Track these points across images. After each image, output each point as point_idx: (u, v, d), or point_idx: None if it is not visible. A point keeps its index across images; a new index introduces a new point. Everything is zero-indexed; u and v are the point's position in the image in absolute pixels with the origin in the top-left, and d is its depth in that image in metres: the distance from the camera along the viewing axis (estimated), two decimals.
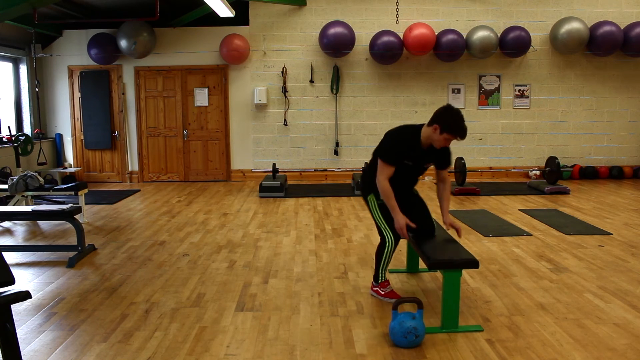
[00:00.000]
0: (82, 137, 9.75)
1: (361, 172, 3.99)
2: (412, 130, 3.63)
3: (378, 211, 3.79)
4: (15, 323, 2.47)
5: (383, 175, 3.56)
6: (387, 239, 3.76)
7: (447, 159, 3.77)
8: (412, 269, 4.44)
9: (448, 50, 8.97)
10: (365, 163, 3.76)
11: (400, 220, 3.57)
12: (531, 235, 5.68)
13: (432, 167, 3.83)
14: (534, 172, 9.52)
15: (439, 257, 3.37)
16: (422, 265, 4.43)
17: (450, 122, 3.47)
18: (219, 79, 9.59)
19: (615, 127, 9.71)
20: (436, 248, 3.56)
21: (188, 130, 9.69)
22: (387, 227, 3.76)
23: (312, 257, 4.96)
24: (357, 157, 9.58)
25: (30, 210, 5.32)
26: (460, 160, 8.23)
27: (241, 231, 5.98)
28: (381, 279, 3.86)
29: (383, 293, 3.85)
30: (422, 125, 3.61)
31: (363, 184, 3.94)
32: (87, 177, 9.77)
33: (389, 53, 8.97)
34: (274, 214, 6.91)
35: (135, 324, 3.50)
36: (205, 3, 7.53)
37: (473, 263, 3.36)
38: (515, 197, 7.93)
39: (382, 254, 3.82)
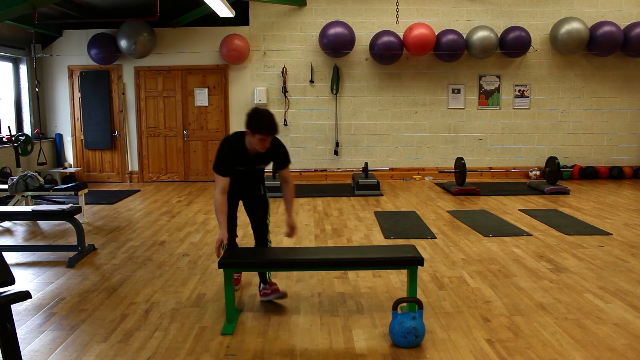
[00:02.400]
0: (82, 137, 9.75)
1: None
2: (235, 137, 3.66)
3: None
4: (15, 323, 2.47)
5: (218, 188, 3.58)
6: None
7: (283, 158, 3.76)
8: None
9: (448, 50, 8.97)
10: None
11: (223, 235, 3.52)
12: (531, 235, 5.68)
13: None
14: (534, 172, 9.52)
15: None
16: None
17: (254, 123, 3.49)
18: (219, 79, 9.59)
19: (615, 127, 9.71)
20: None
21: (188, 130, 9.69)
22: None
23: None
24: (357, 157, 9.58)
25: (30, 210, 5.32)
26: (460, 160, 8.23)
27: (241, 231, 5.97)
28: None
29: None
30: (244, 132, 3.61)
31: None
32: (87, 177, 9.77)
33: (389, 53, 8.97)
34: (274, 213, 6.91)
35: (135, 324, 3.50)
36: (205, 3, 7.53)
37: None
38: (515, 197, 7.93)
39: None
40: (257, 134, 3.47)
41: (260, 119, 3.50)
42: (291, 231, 3.82)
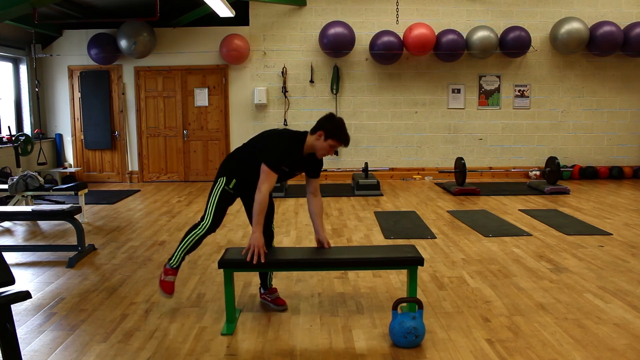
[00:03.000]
0: (82, 137, 9.75)
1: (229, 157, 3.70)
2: (297, 136, 3.50)
3: (217, 196, 3.52)
4: (15, 323, 2.47)
5: (267, 185, 3.33)
6: (204, 221, 3.52)
7: (319, 167, 3.65)
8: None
9: (448, 50, 8.97)
10: (242, 148, 3.63)
11: (259, 240, 3.34)
12: (531, 235, 5.68)
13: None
14: (534, 172, 9.52)
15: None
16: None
17: (334, 129, 3.43)
18: (219, 79, 9.59)
19: (615, 127, 9.71)
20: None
21: (188, 130, 9.69)
22: (212, 213, 3.52)
23: None
24: (357, 157, 9.58)
25: (30, 210, 5.32)
26: (460, 160, 8.23)
27: (241, 231, 5.98)
28: (174, 263, 3.60)
29: (163, 278, 3.61)
30: (306, 132, 3.51)
31: (224, 165, 3.64)
32: (87, 177, 9.77)
33: (389, 53, 8.97)
34: (274, 213, 6.90)
35: (135, 324, 3.50)
36: (205, 3, 7.53)
37: None
38: (515, 197, 7.93)
39: (190, 234, 3.57)
40: (334, 140, 3.40)
41: (342, 127, 3.47)
42: (326, 246, 3.64)
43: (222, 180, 3.53)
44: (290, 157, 3.43)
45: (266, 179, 3.34)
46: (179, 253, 3.58)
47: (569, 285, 4.15)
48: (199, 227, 3.53)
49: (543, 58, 9.50)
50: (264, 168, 3.34)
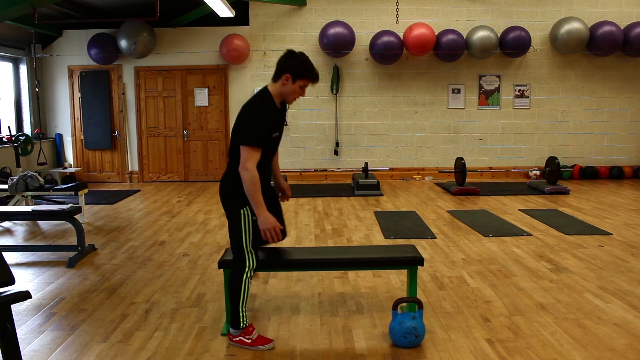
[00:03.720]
0: (82, 137, 9.75)
1: (224, 179, 3.20)
2: (264, 95, 3.10)
3: (250, 229, 3.08)
4: (15, 323, 2.47)
5: (252, 162, 2.93)
6: (247, 263, 3.10)
7: (284, 119, 3.32)
8: None
9: (448, 50, 8.97)
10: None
11: (269, 220, 2.98)
12: (531, 235, 5.68)
13: None
14: (534, 172, 9.52)
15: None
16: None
17: (301, 66, 3.06)
18: (219, 79, 9.59)
19: (615, 127, 9.71)
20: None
21: (188, 130, 9.69)
22: (252, 251, 3.13)
23: None
24: (357, 157, 9.58)
25: (30, 210, 5.32)
26: (460, 160, 8.23)
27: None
28: (243, 323, 3.16)
29: (250, 342, 3.13)
30: (265, 88, 3.15)
31: (227, 191, 3.14)
32: (87, 177, 9.77)
33: (389, 53, 8.97)
34: None
35: (135, 324, 3.50)
36: (205, 3, 7.53)
37: None
38: (515, 197, 7.93)
39: (240, 287, 3.11)
40: (303, 79, 3.06)
41: (307, 62, 3.08)
42: (289, 192, 3.52)
43: (246, 212, 3.06)
44: (273, 120, 3.08)
45: (250, 157, 2.93)
46: (242, 310, 3.15)
47: (569, 285, 4.15)
48: (245, 273, 3.11)
49: (543, 58, 9.50)
50: (243, 148, 2.94)
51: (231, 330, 3.20)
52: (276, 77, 3.09)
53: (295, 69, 3.04)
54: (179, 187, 9.16)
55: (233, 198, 3.10)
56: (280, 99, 3.14)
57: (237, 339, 3.16)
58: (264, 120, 3.01)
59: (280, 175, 3.57)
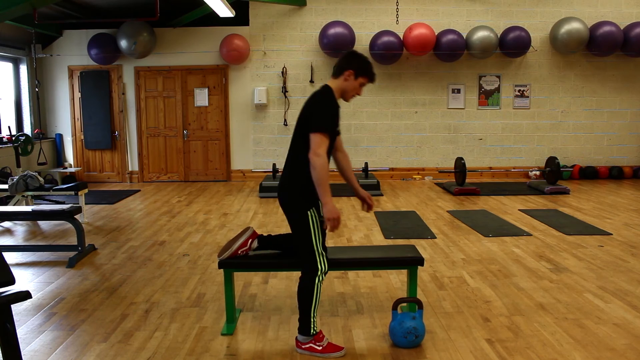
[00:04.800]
0: (82, 137, 9.75)
1: (279, 183, 3.17)
2: (328, 90, 3.09)
3: (319, 230, 3.04)
4: (15, 323, 2.47)
5: (324, 148, 2.90)
6: (320, 266, 3.03)
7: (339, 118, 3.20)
8: None
9: (448, 50, 8.97)
10: (288, 162, 3.18)
11: (335, 210, 2.92)
12: (531, 235, 5.68)
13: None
14: (534, 172, 9.52)
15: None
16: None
17: (364, 64, 3.07)
18: (219, 79, 9.59)
19: (615, 127, 9.71)
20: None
21: (188, 130, 9.69)
22: (322, 253, 3.05)
23: None
24: (357, 157, 9.57)
25: (30, 210, 5.32)
26: (460, 160, 8.23)
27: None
28: (314, 330, 3.06)
29: (321, 349, 3.04)
30: (326, 85, 3.12)
31: (293, 193, 3.08)
32: (87, 177, 9.77)
33: (389, 53, 8.97)
34: (274, 214, 6.91)
35: (135, 324, 3.50)
36: (205, 3, 7.53)
37: None
38: (515, 197, 7.93)
39: (312, 292, 3.03)
40: (364, 77, 3.07)
41: (369, 62, 3.10)
42: (370, 201, 3.32)
43: (313, 213, 3.02)
44: (336, 112, 3.09)
45: (321, 142, 2.91)
46: (314, 316, 3.06)
47: (569, 285, 4.15)
48: (317, 277, 3.03)
49: (543, 58, 9.50)
50: (314, 135, 2.92)
51: (300, 337, 3.09)
52: (338, 74, 3.10)
53: (358, 66, 3.07)
54: (179, 187, 9.16)
55: (299, 200, 3.04)
56: (339, 95, 3.13)
57: (307, 346, 3.06)
58: (332, 110, 3.05)
59: (357, 182, 3.38)
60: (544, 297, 3.89)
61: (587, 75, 9.56)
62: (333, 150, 3.21)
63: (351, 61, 3.09)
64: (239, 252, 3.33)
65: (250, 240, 3.36)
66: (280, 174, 8.83)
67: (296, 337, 3.13)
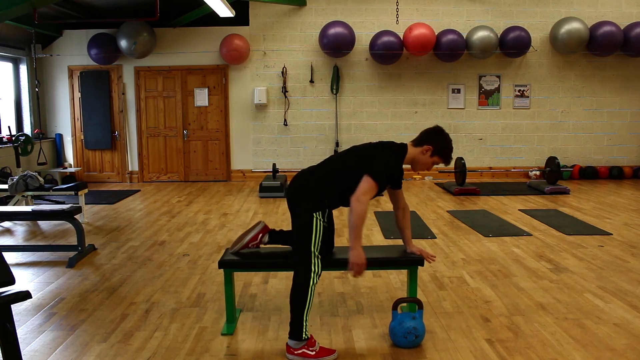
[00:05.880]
0: (82, 137, 9.75)
1: (300, 175, 3.22)
2: (402, 150, 3.20)
3: (320, 233, 3.03)
4: (15, 323, 2.47)
5: (368, 196, 2.95)
6: (313, 268, 3.01)
7: (402, 175, 3.29)
8: None
9: (448, 50, 8.97)
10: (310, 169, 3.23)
11: (362, 257, 2.99)
12: (531, 235, 5.68)
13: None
14: (534, 172, 9.52)
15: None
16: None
17: (445, 147, 3.17)
18: (219, 79, 9.59)
19: (615, 127, 9.71)
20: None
21: (188, 130, 9.69)
22: (318, 257, 3.05)
23: None
24: None
25: (30, 210, 5.32)
26: (460, 160, 8.23)
27: (241, 231, 5.97)
28: (306, 335, 3.00)
29: (314, 353, 2.98)
30: (405, 145, 3.24)
31: (309, 191, 3.10)
32: (87, 177, 9.77)
33: (389, 53, 8.97)
34: (274, 213, 6.91)
35: (135, 324, 3.50)
36: (205, 3, 7.53)
37: None
38: (515, 197, 7.93)
39: (305, 294, 3.00)
40: (441, 158, 3.18)
41: (451, 146, 3.21)
42: (425, 255, 3.37)
43: (319, 216, 3.03)
44: (397, 172, 3.17)
45: (369, 190, 2.96)
46: (306, 320, 3.00)
47: (569, 285, 4.15)
48: (311, 278, 3.01)
49: (543, 58, 9.50)
50: (368, 179, 2.96)
51: (290, 342, 3.01)
52: (418, 144, 3.20)
53: (439, 146, 3.17)
54: (179, 187, 9.16)
55: (311, 200, 3.06)
56: (409, 162, 3.21)
57: (300, 351, 2.98)
58: (394, 169, 3.12)
59: (410, 239, 3.43)
60: (544, 297, 3.89)
61: (587, 75, 9.56)
62: (394, 206, 3.37)
63: (435, 139, 3.17)
64: (250, 245, 3.39)
65: (261, 235, 3.41)
66: (279, 173, 8.92)
67: (287, 343, 3.05)
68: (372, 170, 2.99)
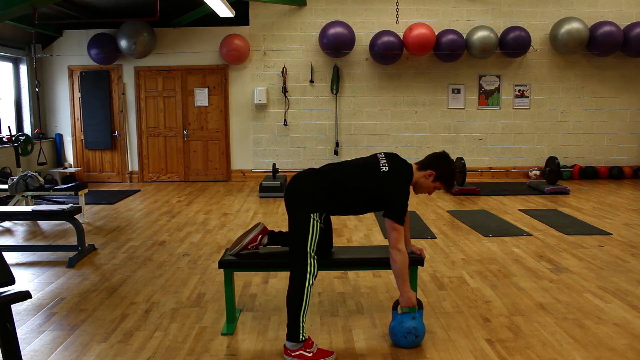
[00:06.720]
0: (82, 137, 9.75)
1: (298, 176, 3.27)
2: (409, 176, 3.24)
3: (317, 234, 3.05)
4: (15, 323, 2.47)
5: (401, 243, 3.06)
6: (309, 268, 3.00)
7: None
8: None
9: (448, 50, 8.97)
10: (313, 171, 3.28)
11: (414, 298, 3.10)
12: (531, 235, 5.68)
13: None
14: (534, 172, 9.52)
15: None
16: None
17: (448, 174, 3.23)
18: (219, 79, 9.59)
19: (615, 127, 9.71)
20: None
21: (188, 130, 9.69)
22: (315, 257, 3.04)
23: None
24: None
25: (30, 210, 5.32)
26: (460, 160, 8.23)
27: (241, 231, 5.97)
28: (303, 336, 2.98)
29: (312, 355, 2.96)
30: (411, 167, 3.25)
31: (309, 193, 3.12)
32: (87, 177, 9.77)
33: (389, 53, 8.97)
34: (274, 213, 6.91)
35: (135, 324, 3.50)
36: (205, 3, 7.53)
37: None
38: (515, 197, 7.93)
39: (302, 295, 2.98)
40: (443, 183, 3.23)
41: (454, 174, 3.30)
42: (420, 253, 3.47)
43: (316, 217, 3.05)
44: (408, 197, 3.24)
45: (399, 237, 3.06)
46: (302, 320, 2.99)
47: (569, 285, 4.15)
48: (307, 279, 3.00)
49: (543, 58, 9.50)
50: (393, 225, 3.05)
51: (288, 344, 3.00)
52: (423, 168, 3.24)
53: (442, 172, 3.21)
54: (179, 187, 9.16)
55: (311, 201, 3.09)
56: (413, 184, 3.29)
57: (297, 353, 2.96)
58: (407, 196, 3.22)
59: (409, 241, 3.49)
60: (544, 297, 3.89)
61: (587, 75, 9.56)
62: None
63: (439, 165, 3.21)
64: (249, 247, 3.40)
65: (260, 236, 3.42)
66: (279, 173, 8.92)
67: (284, 345, 3.03)
68: (393, 215, 3.09)
